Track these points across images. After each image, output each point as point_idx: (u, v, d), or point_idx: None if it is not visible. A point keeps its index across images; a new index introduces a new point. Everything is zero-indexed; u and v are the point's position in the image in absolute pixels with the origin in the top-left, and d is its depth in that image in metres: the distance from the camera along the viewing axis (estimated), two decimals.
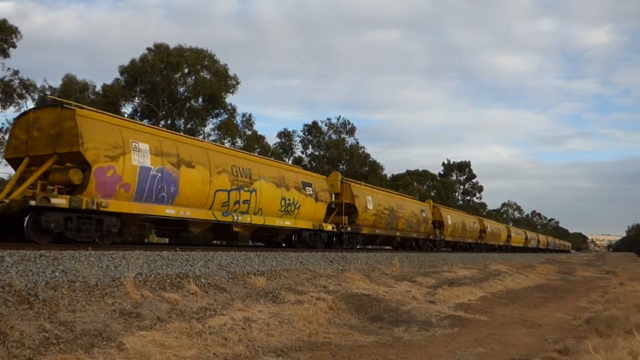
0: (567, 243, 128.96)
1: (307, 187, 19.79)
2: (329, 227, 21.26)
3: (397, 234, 28.09)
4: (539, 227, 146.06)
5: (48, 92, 35.83)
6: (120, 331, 7.84)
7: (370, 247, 29.07)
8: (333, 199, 22.83)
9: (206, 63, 38.74)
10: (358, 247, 24.17)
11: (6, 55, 32.63)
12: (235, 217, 15.95)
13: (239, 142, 41.03)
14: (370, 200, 24.68)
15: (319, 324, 10.59)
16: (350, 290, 13.95)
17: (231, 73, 39.53)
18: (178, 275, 10.93)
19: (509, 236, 56.51)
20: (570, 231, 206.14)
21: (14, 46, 32.72)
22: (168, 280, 10.49)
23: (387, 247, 31.26)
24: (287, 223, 18.58)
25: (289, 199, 18.42)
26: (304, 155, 52.65)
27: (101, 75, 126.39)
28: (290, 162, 47.13)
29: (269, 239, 20.22)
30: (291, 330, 9.90)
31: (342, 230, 22.26)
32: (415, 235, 30.74)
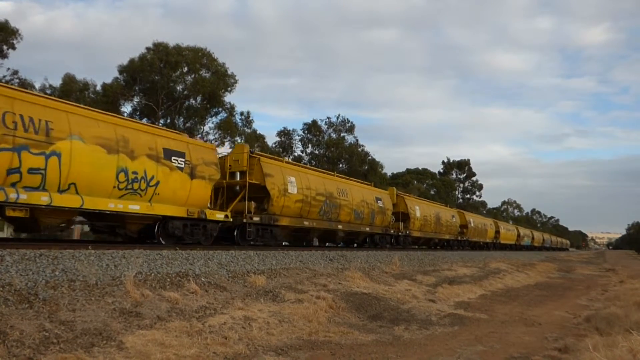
0: (565, 241, 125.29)
1: (175, 158, 14.44)
2: (217, 216, 16.04)
3: (340, 227, 22.57)
4: (539, 225, 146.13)
5: (49, 92, 35.84)
6: (120, 330, 7.84)
7: (288, 244, 22.83)
8: (238, 178, 17.59)
9: (205, 62, 38.74)
10: (274, 243, 18.85)
11: (5, 56, 32.66)
12: (12, 195, 10.69)
13: (239, 140, 41.00)
14: (292, 182, 19.18)
15: (319, 323, 10.59)
16: (350, 289, 13.95)
17: (229, 72, 39.57)
18: (178, 274, 10.93)
19: (497, 232, 51.44)
20: (570, 229, 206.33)
21: (14, 48, 32.77)
22: (168, 279, 10.49)
23: (329, 245, 25.66)
24: (134, 207, 13.29)
25: (134, 172, 13.20)
26: (303, 154, 52.68)
27: (99, 74, 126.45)
28: (290, 159, 47.03)
29: (113, 230, 14.61)
30: (291, 329, 9.91)
31: (246, 221, 17.02)
32: (367, 229, 25.02)
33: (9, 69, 33.17)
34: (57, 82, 38.13)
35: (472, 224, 42.87)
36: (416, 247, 33.18)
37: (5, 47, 32.40)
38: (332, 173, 25.58)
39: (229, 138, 40.35)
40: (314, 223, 20.79)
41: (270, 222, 18.11)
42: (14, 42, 32.64)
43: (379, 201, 26.34)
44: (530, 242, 69.44)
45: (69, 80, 37.97)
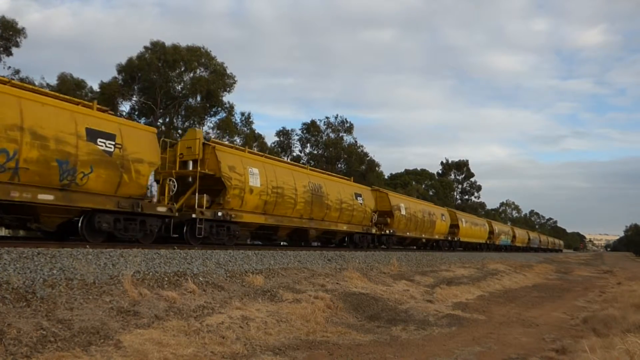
0: (557, 241, 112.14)
1: (102, 140, 12.10)
2: (157, 209, 13.81)
3: (312, 225, 20.04)
4: (537, 226, 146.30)
5: (48, 89, 35.76)
6: (118, 329, 7.83)
7: (257, 243, 21.54)
8: (190, 167, 15.55)
9: (203, 61, 38.72)
10: (231, 243, 16.49)
11: (9, 53, 32.73)
12: None
13: (238, 140, 40.99)
14: (255, 174, 16.87)
15: (316, 323, 10.59)
16: (348, 289, 13.95)
17: (228, 71, 39.55)
18: (176, 274, 10.92)
19: (491, 232, 48.41)
20: (568, 231, 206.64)
21: (18, 46, 32.87)
22: (166, 279, 10.48)
23: (303, 244, 22.46)
24: (46, 197, 11.10)
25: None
26: (302, 154, 52.70)
27: (96, 72, 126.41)
28: (288, 159, 47.07)
29: (24, 224, 12.51)
30: (289, 328, 9.91)
31: (195, 216, 14.86)
32: (344, 227, 22.35)
33: (10, 67, 33.20)
34: (52, 81, 38.12)
35: (464, 224, 39.72)
36: (401, 247, 30.68)
37: (9, 45, 32.44)
38: (305, 166, 23.15)
39: (227, 137, 40.32)
40: (282, 220, 18.37)
41: (226, 218, 15.88)
42: (19, 40, 32.76)
43: (358, 197, 23.59)
44: (511, 241, 57.96)
45: (64, 78, 37.92)
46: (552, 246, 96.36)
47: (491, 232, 48.80)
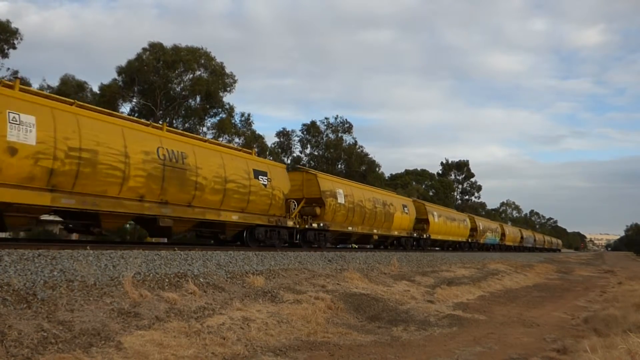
0: (555, 240, 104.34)
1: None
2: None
3: (165, 211, 13.68)
4: (537, 226, 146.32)
5: (48, 91, 35.81)
6: (118, 330, 7.84)
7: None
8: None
9: (202, 62, 38.73)
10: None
11: (5, 56, 32.75)
12: None
13: (237, 140, 41.01)
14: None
15: (317, 324, 10.59)
16: (349, 290, 13.95)
17: (228, 71, 39.54)
18: (176, 275, 10.92)
19: (474, 229, 42.03)
20: (569, 230, 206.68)
21: (14, 47, 32.90)
22: (166, 280, 10.48)
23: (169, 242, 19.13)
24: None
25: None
26: (302, 155, 52.73)
27: (95, 74, 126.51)
28: (288, 161, 47.11)
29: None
30: (290, 329, 9.91)
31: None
32: (234, 218, 16.15)
33: (9, 69, 33.25)
34: (53, 82, 38.15)
35: (436, 219, 33.19)
36: (341, 247, 25.29)
37: (6, 47, 32.48)
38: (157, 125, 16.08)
39: (227, 137, 40.33)
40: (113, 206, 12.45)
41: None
42: (15, 42, 32.78)
43: (261, 178, 17.25)
44: (499, 239, 51.39)
45: (67, 80, 37.97)
46: (549, 245, 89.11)
47: (474, 229, 42.12)
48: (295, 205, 20.02)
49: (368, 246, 27.70)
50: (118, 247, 11.87)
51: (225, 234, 16.94)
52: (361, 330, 10.90)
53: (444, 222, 35.16)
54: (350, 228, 22.93)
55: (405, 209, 28.74)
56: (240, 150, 18.19)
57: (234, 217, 16.36)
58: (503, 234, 52.64)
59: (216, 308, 9.91)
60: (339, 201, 21.86)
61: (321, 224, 20.83)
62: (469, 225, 40.87)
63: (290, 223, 19.14)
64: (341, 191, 22.42)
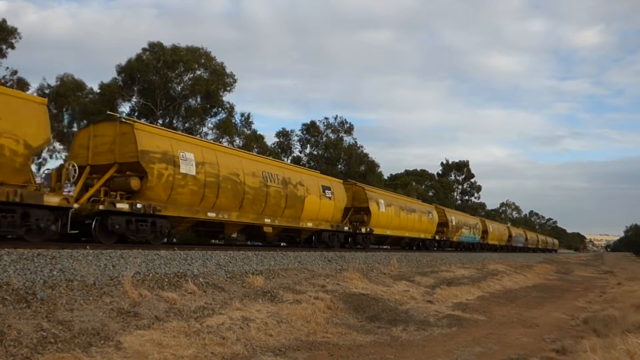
0: (551, 239, 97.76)
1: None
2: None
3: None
4: (537, 227, 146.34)
5: (47, 91, 35.83)
6: (118, 330, 7.83)
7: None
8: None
9: (203, 61, 38.72)
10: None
11: (4, 55, 32.75)
12: None
13: (238, 141, 40.99)
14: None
15: (317, 324, 10.59)
16: (349, 290, 13.95)
17: (228, 71, 39.52)
18: (176, 275, 10.92)
19: (443, 224, 35.56)
20: (569, 231, 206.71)
21: (13, 47, 32.88)
22: (166, 280, 10.48)
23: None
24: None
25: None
26: (302, 155, 52.71)
27: (94, 73, 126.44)
28: (288, 161, 47.07)
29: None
30: (289, 329, 9.91)
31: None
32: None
33: (7, 68, 33.24)
34: (53, 82, 38.12)
35: (381, 207, 25.46)
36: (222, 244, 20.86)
37: (4, 47, 32.47)
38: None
39: (227, 138, 40.31)
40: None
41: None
42: (13, 41, 32.77)
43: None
44: (480, 237, 44.41)
45: (66, 79, 37.93)
46: (544, 245, 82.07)
47: (444, 223, 35.33)
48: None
49: (257, 243, 22.41)
50: (118, 246, 11.87)
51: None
52: (361, 330, 10.90)
53: (396, 213, 27.25)
54: (223, 215, 16.13)
55: (327, 192, 21.00)
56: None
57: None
58: (485, 232, 46.28)
59: (216, 308, 9.91)
60: (184, 169, 17.04)
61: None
62: (435, 219, 33.48)
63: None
64: (189, 155, 17.40)
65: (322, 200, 20.65)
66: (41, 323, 7.29)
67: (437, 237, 34.07)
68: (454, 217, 38.45)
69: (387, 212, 26.39)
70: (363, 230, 24.01)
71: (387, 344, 9.82)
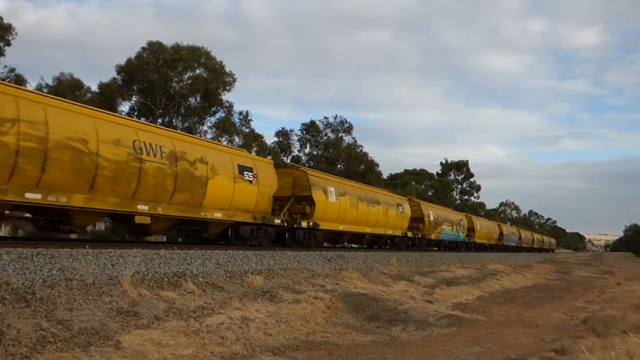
0: (548, 239, 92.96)
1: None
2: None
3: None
4: (536, 226, 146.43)
5: (45, 90, 35.79)
6: (117, 330, 7.83)
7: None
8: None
9: (202, 60, 38.72)
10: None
11: (2, 54, 32.73)
12: None
13: (237, 140, 40.99)
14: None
15: (316, 323, 10.59)
16: (348, 290, 13.95)
17: (227, 70, 39.53)
18: (176, 274, 10.92)
19: (418, 220, 31.15)
20: (568, 231, 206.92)
21: (9, 44, 32.86)
22: (165, 279, 10.48)
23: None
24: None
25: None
26: (301, 155, 52.71)
27: (93, 73, 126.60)
28: (288, 161, 47.03)
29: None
30: (289, 329, 9.90)
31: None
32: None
33: (5, 66, 33.22)
34: (51, 81, 38.10)
35: (329, 197, 20.66)
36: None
37: (1, 45, 32.46)
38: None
39: (226, 137, 40.31)
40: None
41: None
42: (9, 38, 32.76)
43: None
44: (465, 236, 40.38)
45: (63, 79, 37.91)
46: (540, 245, 77.53)
47: (418, 218, 31.00)
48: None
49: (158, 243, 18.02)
50: (117, 246, 11.86)
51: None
52: (360, 330, 10.90)
53: (353, 204, 22.54)
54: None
55: (245, 173, 16.41)
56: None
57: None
58: (471, 229, 41.83)
59: (215, 307, 9.90)
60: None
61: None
62: (407, 213, 28.82)
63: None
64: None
65: (237, 183, 15.89)
66: (40, 322, 7.28)
67: (409, 235, 29.51)
68: (432, 211, 33.66)
69: (339, 203, 21.39)
70: (304, 224, 19.25)
71: (386, 344, 9.82)
